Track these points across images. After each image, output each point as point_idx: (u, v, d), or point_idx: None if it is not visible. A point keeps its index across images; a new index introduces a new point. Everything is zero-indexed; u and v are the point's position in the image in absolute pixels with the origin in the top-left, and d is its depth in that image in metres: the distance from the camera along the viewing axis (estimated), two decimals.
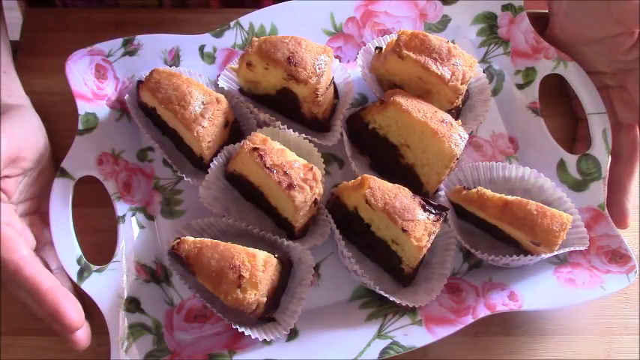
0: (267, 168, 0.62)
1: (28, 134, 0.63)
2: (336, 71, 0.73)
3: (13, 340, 0.64)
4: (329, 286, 0.67)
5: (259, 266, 0.59)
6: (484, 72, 0.76)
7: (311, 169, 0.63)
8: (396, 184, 0.64)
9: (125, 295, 0.63)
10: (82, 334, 0.58)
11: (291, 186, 0.62)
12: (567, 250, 0.65)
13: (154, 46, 0.71)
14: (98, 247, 0.66)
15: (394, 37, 0.72)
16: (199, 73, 0.72)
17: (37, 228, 0.63)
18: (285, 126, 0.69)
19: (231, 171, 0.67)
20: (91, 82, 0.69)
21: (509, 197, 0.65)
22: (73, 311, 0.57)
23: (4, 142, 0.59)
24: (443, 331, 0.61)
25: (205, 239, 0.61)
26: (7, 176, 0.60)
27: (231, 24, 0.73)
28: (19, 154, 0.61)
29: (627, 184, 0.69)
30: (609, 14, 0.67)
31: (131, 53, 0.71)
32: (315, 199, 0.64)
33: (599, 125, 0.72)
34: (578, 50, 0.73)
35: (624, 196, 0.69)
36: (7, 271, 0.56)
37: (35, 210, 0.64)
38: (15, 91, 0.68)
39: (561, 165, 0.72)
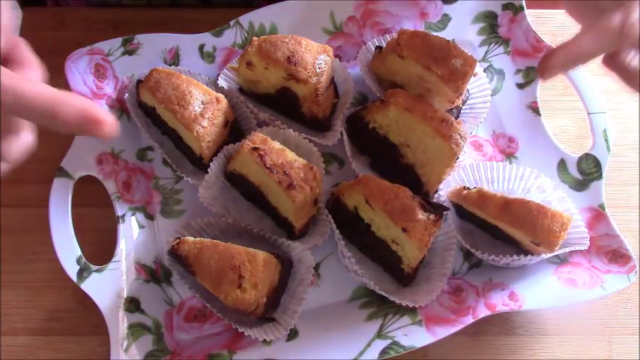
0: (267, 168, 0.62)
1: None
2: (337, 70, 0.73)
3: (13, 340, 0.64)
4: (329, 286, 0.67)
5: (259, 266, 0.59)
6: (484, 71, 0.76)
7: (311, 168, 0.63)
8: (396, 184, 0.64)
9: (125, 295, 0.63)
10: (113, 120, 0.50)
11: (291, 186, 0.61)
12: (568, 250, 0.65)
13: (153, 45, 0.71)
14: (98, 247, 0.66)
15: (394, 36, 0.72)
16: (199, 73, 0.71)
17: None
18: (285, 126, 0.69)
19: (231, 171, 0.67)
20: (91, 81, 0.69)
21: (509, 197, 0.64)
22: (98, 107, 0.49)
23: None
24: (443, 331, 0.61)
25: (205, 239, 0.61)
26: None
27: (231, 23, 0.73)
28: None
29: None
30: None
31: (130, 52, 0.70)
32: (315, 198, 0.64)
33: (599, 125, 0.71)
34: None
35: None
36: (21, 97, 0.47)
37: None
38: None
39: (561, 165, 0.72)
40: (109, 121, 0.48)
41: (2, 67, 0.48)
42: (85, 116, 0.48)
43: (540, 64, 0.57)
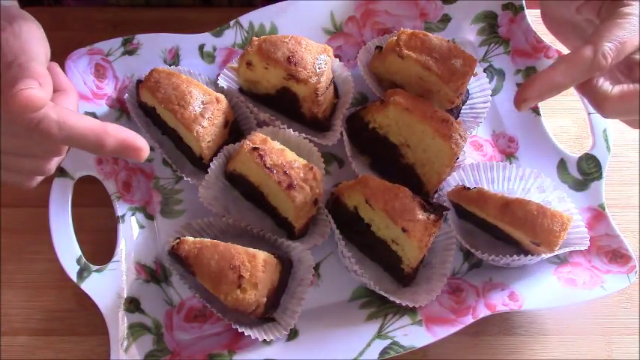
0: (267, 168, 0.62)
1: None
2: (337, 70, 0.73)
3: (13, 340, 0.64)
4: (329, 286, 0.67)
5: (259, 266, 0.59)
6: (484, 71, 0.76)
7: (311, 169, 0.63)
8: (396, 184, 0.64)
9: (125, 295, 0.63)
10: (147, 146, 0.55)
11: (291, 186, 0.61)
12: (568, 250, 0.65)
13: (153, 45, 0.71)
14: (98, 247, 0.66)
15: (394, 36, 0.72)
16: (199, 73, 0.71)
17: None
18: (285, 126, 0.69)
19: (231, 171, 0.67)
20: (91, 81, 0.69)
21: (509, 197, 0.64)
22: (136, 135, 0.54)
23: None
24: (443, 331, 0.61)
25: (205, 239, 0.61)
26: None
27: (231, 23, 0.73)
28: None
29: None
30: None
31: (130, 52, 0.70)
32: (315, 199, 0.64)
33: (599, 125, 0.71)
34: None
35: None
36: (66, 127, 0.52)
37: None
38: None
39: (561, 165, 0.72)
40: (145, 147, 0.54)
41: (50, 102, 0.52)
42: (126, 145, 0.53)
43: (517, 95, 0.59)
